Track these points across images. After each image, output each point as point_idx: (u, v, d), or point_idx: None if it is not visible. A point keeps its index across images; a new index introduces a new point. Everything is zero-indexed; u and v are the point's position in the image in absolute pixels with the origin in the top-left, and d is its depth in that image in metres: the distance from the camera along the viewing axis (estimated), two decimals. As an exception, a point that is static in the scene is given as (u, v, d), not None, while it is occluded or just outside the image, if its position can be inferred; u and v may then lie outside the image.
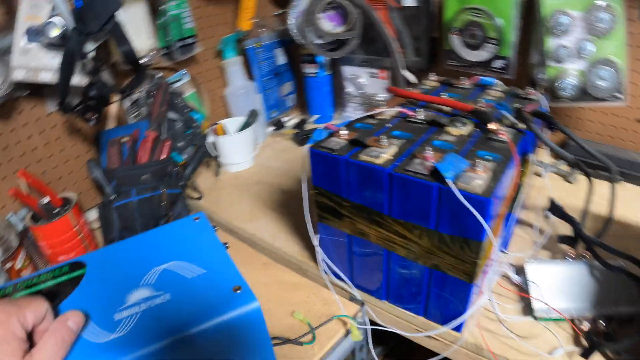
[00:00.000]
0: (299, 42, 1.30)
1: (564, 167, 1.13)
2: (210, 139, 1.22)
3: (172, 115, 1.11)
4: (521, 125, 0.73)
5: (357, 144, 0.69)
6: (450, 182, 0.57)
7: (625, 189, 1.07)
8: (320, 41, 1.27)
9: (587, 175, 0.83)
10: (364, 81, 1.38)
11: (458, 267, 0.65)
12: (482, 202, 0.56)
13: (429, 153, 0.62)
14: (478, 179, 0.58)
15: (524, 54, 1.12)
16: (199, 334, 0.53)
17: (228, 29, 1.36)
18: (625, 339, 0.66)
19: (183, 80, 1.26)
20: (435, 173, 0.59)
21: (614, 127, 1.15)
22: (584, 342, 0.69)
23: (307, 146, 0.71)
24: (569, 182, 1.10)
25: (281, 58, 1.48)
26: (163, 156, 0.98)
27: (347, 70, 1.41)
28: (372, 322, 0.82)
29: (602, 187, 0.89)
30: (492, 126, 0.69)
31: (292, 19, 1.29)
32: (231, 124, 1.30)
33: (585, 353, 0.67)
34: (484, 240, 0.59)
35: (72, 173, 1.12)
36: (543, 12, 1.01)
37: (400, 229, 0.67)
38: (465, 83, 0.92)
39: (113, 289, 0.59)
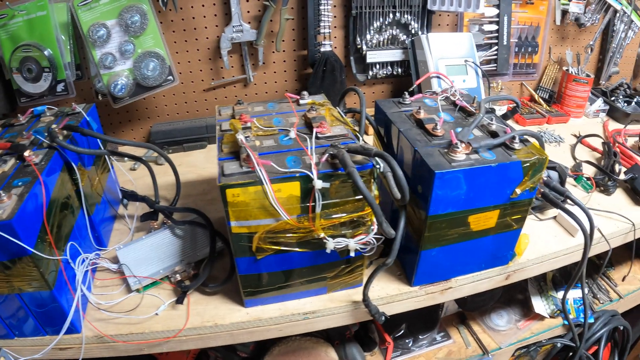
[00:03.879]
0: None
1: (153, 154, 1.34)
2: None
3: None
4: (53, 143, 0.89)
5: None
6: (-25, 221, 0.70)
7: (210, 149, 1.37)
8: None
9: (119, 154, 1.10)
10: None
11: (32, 283, 0.77)
12: (6, 224, 0.69)
13: (-40, 203, 0.74)
14: (3, 207, 0.73)
15: (88, 70, 1.29)
16: None
17: None
18: (202, 273, 0.89)
19: None
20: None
21: (186, 103, 1.42)
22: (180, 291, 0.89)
23: None
24: (159, 164, 1.32)
25: None
26: None
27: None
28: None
29: (190, 157, 1.14)
30: (26, 154, 0.85)
31: None
32: None
33: (179, 299, 0.88)
34: (31, 254, 0.73)
35: None
36: (84, 30, 1.17)
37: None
38: (22, 119, 1.01)
39: None
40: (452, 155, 0.77)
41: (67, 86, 1.24)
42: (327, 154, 0.71)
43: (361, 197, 0.73)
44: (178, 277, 0.92)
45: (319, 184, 0.69)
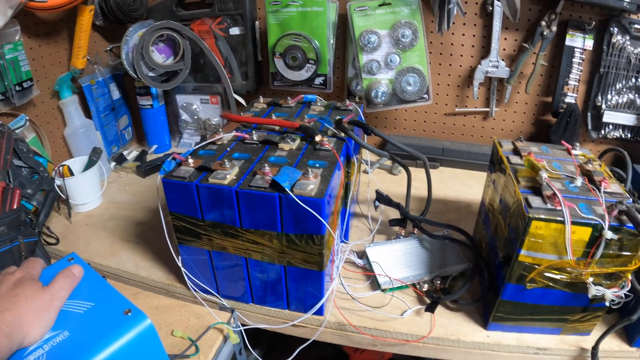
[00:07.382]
0: (133, 76, 1.40)
1: (387, 162, 1.38)
2: (58, 182, 1.23)
3: (16, 162, 1.12)
4: (342, 134, 0.91)
5: (203, 170, 0.83)
6: (288, 191, 0.74)
7: (441, 171, 1.38)
8: (152, 74, 1.39)
9: (403, 166, 1.07)
10: (197, 108, 1.52)
11: (308, 260, 0.82)
12: (317, 202, 0.74)
13: (267, 169, 0.78)
14: (311, 184, 0.76)
15: (342, 69, 1.36)
16: (105, 360, 0.61)
17: (63, 68, 1.39)
18: (458, 290, 0.90)
19: (23, 125, 1.27)
20: (275, 184, 0.75)
21: (425, 122, 1.45)
22: (427, 300, 0.92)
23: (159, 177, 0.83)
24: (393, 174, 1.36)
25: (116, 92, 1.53)
26: (15, 206, 0.99)
27: (180, 99, 1.55)
28: (245, 326, 0.96)
29: (421, 173, 1.10)
30: (317, 138, 0.87)
31: (125, 54, 1.38)
32: (75, 164, 1.34)
33: (429, 307, 0.90)
34: (324, 234, 0.77)
35: None
36: (355, 34, 1.24)
37: (253, 237, 0.82)
38: (291, 102, 1.10)
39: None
40: None
41: (327, 81, 1.29)
42: (617, 209, 0.73)
43: (627, 254, 0.74)
44: (426, 286, 0.94)
45: (609, 234, 0.71)
